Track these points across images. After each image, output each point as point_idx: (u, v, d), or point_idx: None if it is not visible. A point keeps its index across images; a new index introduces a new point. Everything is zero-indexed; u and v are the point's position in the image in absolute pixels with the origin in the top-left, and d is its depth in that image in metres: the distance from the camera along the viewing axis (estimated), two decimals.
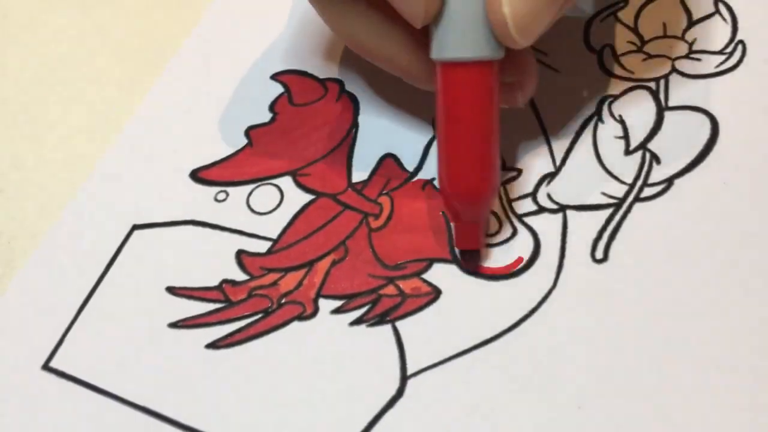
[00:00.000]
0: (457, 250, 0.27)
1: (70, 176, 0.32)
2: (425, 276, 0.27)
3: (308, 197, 0.29)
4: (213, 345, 0.27)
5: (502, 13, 0.22)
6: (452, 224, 0.27)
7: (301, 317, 0.27)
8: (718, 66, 0.29)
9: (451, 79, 0.24)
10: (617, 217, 0.27)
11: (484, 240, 0.27)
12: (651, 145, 0.28)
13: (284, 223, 0.29)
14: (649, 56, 0.30)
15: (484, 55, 0.23)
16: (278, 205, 0.29)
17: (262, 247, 0.29)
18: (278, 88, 0.33)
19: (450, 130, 0.24)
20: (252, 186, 0.30)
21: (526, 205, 0.28)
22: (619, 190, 0.27)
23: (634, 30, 0.31)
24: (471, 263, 0.27)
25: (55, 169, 0.32)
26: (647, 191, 0.27)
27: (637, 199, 0.27)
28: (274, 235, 0.29)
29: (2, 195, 0.32)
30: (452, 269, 0.27)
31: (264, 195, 0.30)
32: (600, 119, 0.29)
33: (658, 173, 0.27)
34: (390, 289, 0.27)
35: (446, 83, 0.24)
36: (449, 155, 0.25)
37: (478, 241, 0.26)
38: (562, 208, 0.27)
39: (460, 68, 0.24)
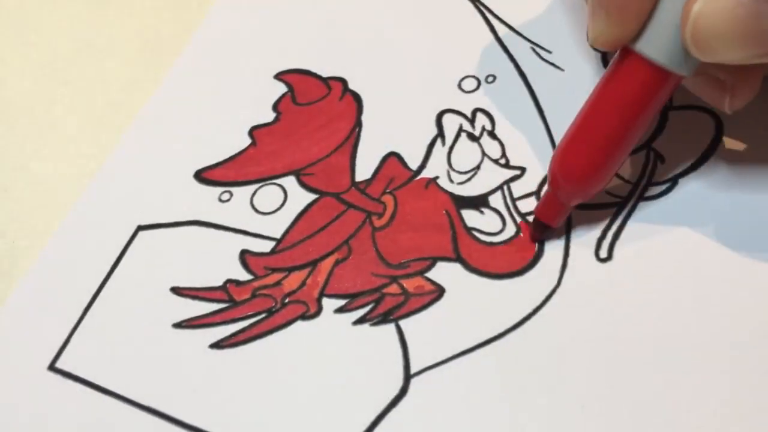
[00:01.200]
0: (530, 219, 0.27)
1: (74, 176, 0.32)
2: (429, 275, 0.27)
3: (312, 197, 0.29)
4: (217, 345, 0.27)
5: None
6: (542, 193, 0.27)
7: (304, 316, 0.27)
8: None
9: (631, 70, 0.23)
10: (621, 216, 0.27)
11: (562, 222, 0.26)
12: (655, 144, 0.28)
13: (288, 223, 0.29)
14: None
15: (673, 68, 0.22)
16: (282, 205, 0.29)
17: (266, 246, 0.29)
18: (282, 88, 0.33)
19: (600, 115, 0.24)
20: (256, 186, 0.30)
21: (530, 204, 0.28)
22: (624, 189, 0.27)
23: None
24: (538, 234, 0.27)
25: (59, 169, 0.32)
26: (651, 190, 0.27)
27: (641, 198, 0.27)
28: (278, 235, 0.29)
29: (7, 195, 0.32)
30: (456, 268, 0.27)
31: (267, 195, 0.30)
32: None
33: (663, 172, 0.27)
34: (393, 288, 0.27)
35: (624, 72, 0.23)
36: (584, 137, 0.24)
37: (557, 219, 0.26)
38: None
39: (645, 66, 0.23)
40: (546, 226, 0.26)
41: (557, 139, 0.29)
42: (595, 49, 0.30)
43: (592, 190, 0.25)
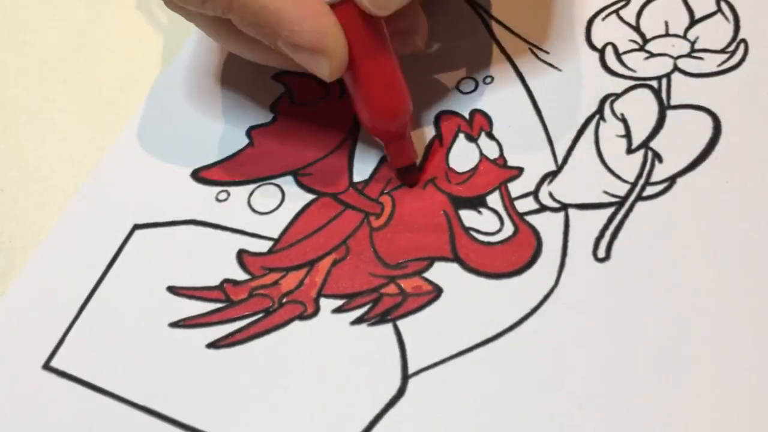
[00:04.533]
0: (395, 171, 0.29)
1: (71, 176, 0.32)
2: (426, 275, 0.27)
3: (309, 197, 0.29)
4: (214, 344, 0.27)
5: None
6: (385, 151, 0.29)
7: (302, 317, 0.27)
8: (720, 65, 0.29)
9: (340, 16, 0.26)
10: (619, 216, 0.27)
11: (416, 154, 0.29)
12: (653, 144, 0.28)
13: (285, 223, 0.29)
14: (651, 55, 0.30)
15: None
16: (279, 205, 0.29)
17: (263, 246, 0.28)
18: (279, 88, 0.33)
19: (357, 64, 0.26)
20: (253, 186, 0.30)
21: (527, 204, 0.28)
22: (621, 189, 0.27)
23: (636, 28, 0.31)
24: (409, 178, 0.29)
25: (56, 168, 0.32)
26: (649, 190, 0.27)
27: (639, 197, 0.27)
28: (275, 235, 0.29)
29: (3, 194, 0.32)
30: (453, 268, 0.27)
31: (265, 195, 0.30)
32: (602, 118, 0.29)
33: (661, 172, 0.27)
34: (391, 288, 0.27)
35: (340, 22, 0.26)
36: (362, 95, 0.27)
37: (411, 155, 0.28)
38: (564, 207, 0.27)
39: (343, 7, 0.26)
40: (410, 166, 0.29)
41: (555, 139, 0.29)
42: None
43: (402, 107, 0.27)
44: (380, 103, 0.27)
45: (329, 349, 0.26)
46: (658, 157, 0.28)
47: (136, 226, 0.30)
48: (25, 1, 0.38)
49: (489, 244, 0.27)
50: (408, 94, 0.27)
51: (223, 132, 0.32)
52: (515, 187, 0.28)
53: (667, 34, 0.30)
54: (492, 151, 0.29)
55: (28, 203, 0.31)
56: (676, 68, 0.30)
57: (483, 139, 0.30)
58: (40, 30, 0.37)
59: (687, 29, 0.30)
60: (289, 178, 0.30)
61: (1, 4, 0.38)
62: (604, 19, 0.32)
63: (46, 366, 0.27)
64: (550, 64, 0.31)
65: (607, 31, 0.31)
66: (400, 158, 0.28)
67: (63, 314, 0.28)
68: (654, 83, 0.29)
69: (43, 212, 0.31)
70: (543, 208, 0.27)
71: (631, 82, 0.29)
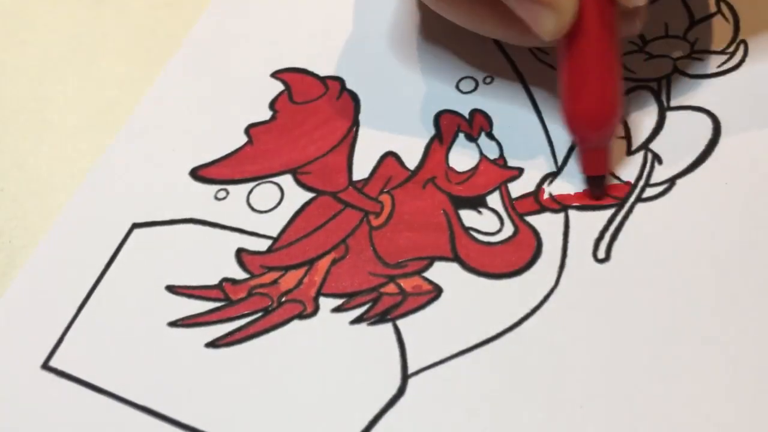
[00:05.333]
0: (584, 177, 0.28)
1: (70, 175, 0.32)
2: (426, 274, 0.27)
3: (309, 195, 0.29)
4: (213, 344, 0.27)
5: None
6: (579, 152, 0.27)
7: (301, 316, 0.27)
8: (720, 66, 0.29)
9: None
10: (619, 217, 0.27)
11: (610, 166, 0.27)
12: (653, 146, 0.28)
13: (284, 222, 0.29)
14: (651, 56, 0.30)
15: None
16: (278, 204, 0.29)
17: (263, 245, 0.28)
18: (278, 86, 0.33)
19: (574, 57, 0.25)
20: (252, 184, 0.30)
21: (527, 204, 0.28)
22: (621, 190, 0.27)
23: None
24: (597, 189, 0.27)
25: (55, 167, 0.32)
26: (649, 191, 0.27)
27: (639, 199, 0.27)
28: (275, 234, 0.29)
29: (3, 194, 0.32)
30: (453, 267, 0.27)
31: (264, 193, 0.30)
32: None
33: (660, 173, 0.27)
34: (391, 288, 0.27)
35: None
36: (573, 83, 0.25)
37: (605, 166, 0.27)
38: (564, 208, 0.27)
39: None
40: (600, 177, 0.27)
41: (555, 140, 0.29)
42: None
43: (613, 117, 0.26)
44: (590, 98, 0.25)
45: (328, 349, 0.26)
46: (657, 158, 0.28)
47: (135, 225, 0.29)
48: (25, 1, 0.38)
49: (489, 244, 0.27)
50: (622, 96, 0.26)
51: (221, 130, 0.32)
52: (515, 187, 0.28)
53: (666, 36, 0.31)
54: (492, 151, 0.29)
55: (28, 203, 0.31)
56: (675, 69, 0.30)
57: (483, 139, 0.30)
58: (40, 30, 0.37)
59: (687, 30, 0.31)
60: (288, 177, 0.30)
61: (1, 4, 0.38)
62: None
63: (45, 365, 0.27)
64: (550, 65, 0.31)
65: None
66: (592, 166, 0.27)
67: (62, 313, 0.28)
68: (654, 84, 0.29)
69: (43, 212, 0.31)
70: (543, 209, 0.27)
71: (631, 84, 0.29)
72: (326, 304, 0.27)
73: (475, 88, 0.31)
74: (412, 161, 0.29)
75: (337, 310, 0.27)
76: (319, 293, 0.27)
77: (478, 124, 0.30)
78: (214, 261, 0.28)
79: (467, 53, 0.32)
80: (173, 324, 0.27)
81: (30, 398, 0.26)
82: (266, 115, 0.32)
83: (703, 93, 0.29)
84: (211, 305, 0.27)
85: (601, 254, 0.26)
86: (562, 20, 0.23)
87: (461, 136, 0.30)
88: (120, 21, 0.36)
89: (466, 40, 0.32)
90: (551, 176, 0.28)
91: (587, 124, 0.26)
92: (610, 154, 0.27)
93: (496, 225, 0.27)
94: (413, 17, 0.34)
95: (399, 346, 0.26)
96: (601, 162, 0.27)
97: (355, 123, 0.31)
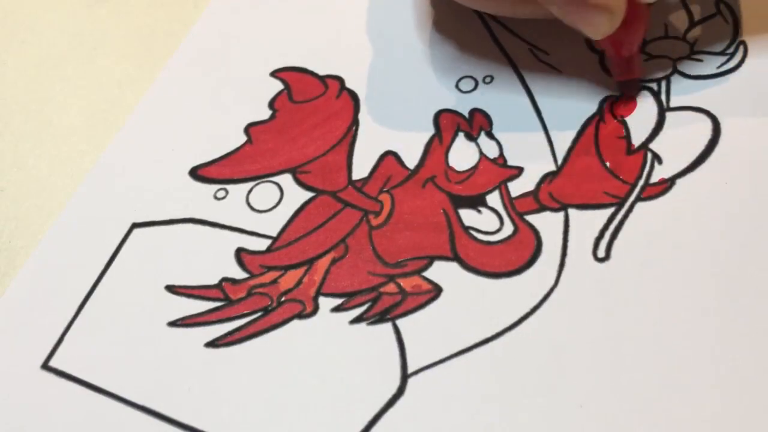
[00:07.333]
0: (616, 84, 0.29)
1: (70, 175, 0.32)
2: (426, 274, 0.27)
3: (308, 195, 0.29)
4: (212, 344, 0.26)
5: None
6: (609, 61, 0.29)
7: (301, 315, 0.27)
8: (719, 67, 0.29)
9: None
10: (619, 216, 0.27)
11: (643, 68, 0.29)
12: (653, 145, 0.28)
13: (284, 221, 0.29)
14: (651, 57, 0.30)
15: None
16: (278, 203, 0.29)
17: (262, 245, 0.28)
18: (278, 85, 0.33)
19: None
20: (251, 183, 0.30)
21: (527, 204, 0.28)
22: (621, 190, 0.27)
23: None
24: (632, 91, 0.29)
25: (55, 168, 0.32)
26: (649, 191, 0.27)
27: (639, 198, 0.27)
28: (274, 233, 0.29)
29: (2, 194, 0.32)
30: (453, 267, 0.27)
31: (264, 193, 0.30)
32: (601, 119, 0.29)
33: (660, 173, 0.27)
34: (390, 287, 0.27)
35: None
36: None
37: (637, 68, 0.29)
38: (564, 207, 0.27)
39: None
40: (633, 81, 0.29)
41: (555, 139, 0.29)
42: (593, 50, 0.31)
43: (642, 18, 0.27)
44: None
45: (328, 348, 0.26)
46: (657, 158, 0.28)
47: (135, 225, 0.29)
48: (25, 1, 0.38)
49: (488, 243, 0.27)
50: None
51: (221, 129, 0.32)
52: (515, 187, 0.28)
53: (666, 36, 0.31)
54: (492, 151, 0.29)
55: (28, 203, 0.31)
56: (675, 70, 0.30)
57: (483, 139, 0.30)
58: (40, 29, 0.37)
59: (686, 31, 0.31)
60: (288, 176, 0.30)
61: (1, 3, 0.38)
62: None
63: (45, 366, 0.27)
64: (550, 65, 0.31)
65: None
66: (624, 71, 0.29)
67: (62, 313, 0.28)
68: (654, 85, 0.29)
69: (43, 212, 0.31)
70: (543, 208, 0.27)
71: None
72: (326, 303, 0.27)
73: (475, 88, 0.31)
74: (411, 160, 0.29)
75: (337, 309, 0.27)
76: (318, 293, 0.27)
77: (477, 124, 0.30)
78: (214, 261, 0.28)
79: (467, 53, 0.32)
80: (173, 324, 0.27)
81: (30, 398, 0.26)
82: (266, 114, 0.32)
83: (703, 93, 0.29)
84: (210, 305, 0.27)
85: (600, 253, 0.26)
86: (615, 20, 0.24)
87: (461, 135, 0.30)
88: (120, 21, 0.36)
89: (466, 39, 0.32)
90: (551, 175, 0.28)
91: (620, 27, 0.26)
92: (640, 58, 0.29)
93: (496, 224, 0.27)
94: (413, 16, 0.34)
95: (398, 345, 0.26)
96: (634, 65, 0.28)
97: (355, 122, 0.31)
